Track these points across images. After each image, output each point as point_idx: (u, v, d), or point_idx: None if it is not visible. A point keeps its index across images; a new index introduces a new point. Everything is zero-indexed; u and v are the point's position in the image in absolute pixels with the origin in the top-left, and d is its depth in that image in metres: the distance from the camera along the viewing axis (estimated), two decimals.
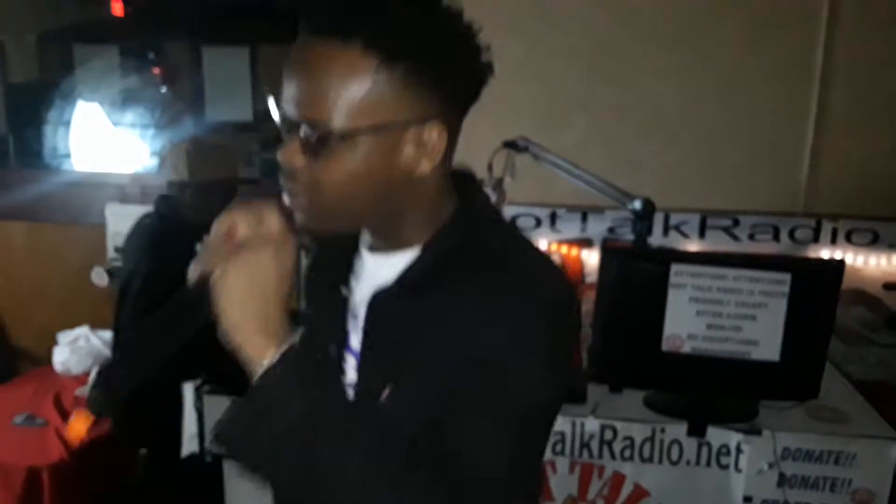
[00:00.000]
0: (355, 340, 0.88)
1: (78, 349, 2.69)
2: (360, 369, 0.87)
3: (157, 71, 5.24)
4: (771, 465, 1.86)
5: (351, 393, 0.86)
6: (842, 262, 1.84)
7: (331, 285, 0.91)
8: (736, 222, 2.86)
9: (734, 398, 1.94)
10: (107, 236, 3.19)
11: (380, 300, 0.85)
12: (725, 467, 1.91)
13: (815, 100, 2.77)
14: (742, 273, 1.80)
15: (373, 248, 0.88)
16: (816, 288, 1.83)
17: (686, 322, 1.85)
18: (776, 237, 2.85)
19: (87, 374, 2.63)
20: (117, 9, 5.29)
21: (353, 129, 0.73)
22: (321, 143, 0.74)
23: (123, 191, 3.20)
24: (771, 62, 2.77)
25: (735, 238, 2.86)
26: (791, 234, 2.84)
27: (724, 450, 1.91)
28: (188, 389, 2.20)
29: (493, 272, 0.81)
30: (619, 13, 2.79)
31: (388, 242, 0.86)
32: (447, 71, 0.75)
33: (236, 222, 0.77)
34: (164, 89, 5.11)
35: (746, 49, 2.77)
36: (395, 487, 0.72)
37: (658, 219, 2.74)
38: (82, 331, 2.75)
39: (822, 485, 1.89)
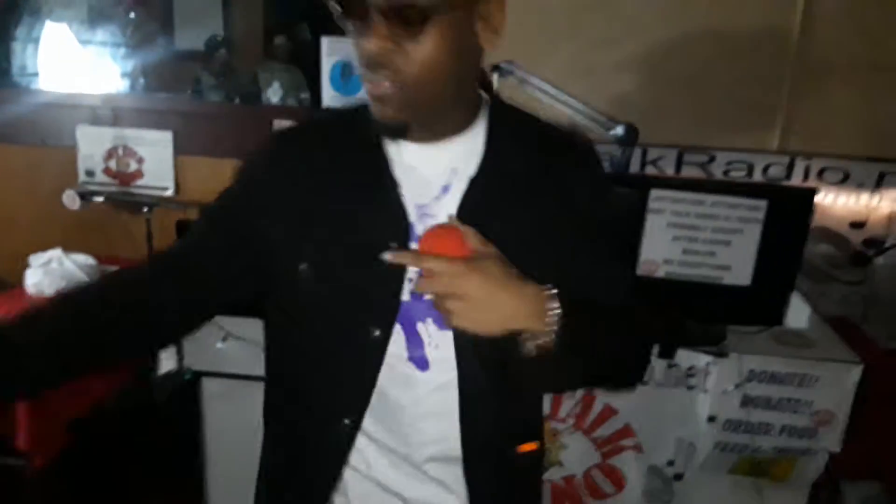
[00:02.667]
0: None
1: (51, 271, 2.65)
2: None
3: None
4: (737, 386, 1.93)
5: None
6: (813, 189, 1.88)
7: (367, 181, 0.93)
8: (712, 158, 2.89)
9: (705, 322, 2.00)
10: (78, 158, 3.13)
11: (478, 184, 0.92)
12: (692, 388, 1.98)
13: (794, 40, 2.78)
14: (720, 199, 1.84)
15: (422, 138, 0.92)
16: (790, 215, 1.88)
17: (662, 247, 1.89)
18: (750, 174, 2.89)
19: None
20: None
21: (442, 2, 0.79)
22: (417, 18, 0.78)
23: (95, 112, 3.11)
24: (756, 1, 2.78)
25: (710, 174, 2.89)
26: (765, 171, 2.88)
27: (691, 371, 1.98)
28: None
29: (566, 147, 0.99)
30: None
31: (440, 130, 0.92)
32: None
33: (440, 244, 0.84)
34: (132, 13, 4.95)
35: None
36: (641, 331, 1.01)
37: (636, 153, 2.75)
38: (55, 253, 2.70)
39: (784, 406, 1.97)
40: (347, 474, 1.00)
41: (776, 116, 2.88)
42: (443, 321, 0.85)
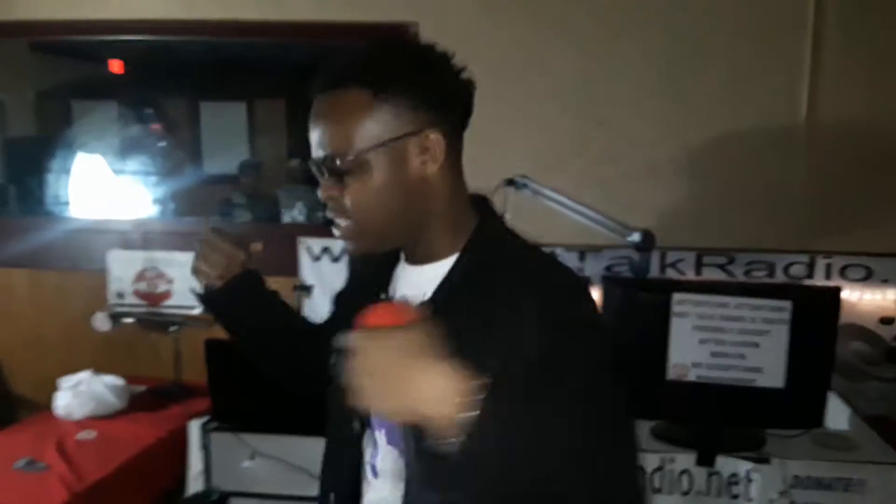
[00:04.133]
0: None
1: (80, 393, 2.66)
2: None
3: (155, 126, 5.34)
4: (782, 494, 1.86)
5: None
6: (838, 288, 1.88)
7: (375, 292, 1.03)
8: (731, 259, 2.90)
9: (741, 426, 1.96)
10: (108, 281, 3.20)
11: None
12: (736, 497, 1.92)
13: (802, 137, 2.85)
14: (743, 301, 1.84)
15: (410, 260, 1.01)
16: (816, 314, 1.87)
17: (690, 350, 1.88)
18: (771, 274, 2.89)
19: (88, 418, 2.61)
20: (116, 66, 5.42)
21: (366, 148, 0.89)
22: (346, 168, 0.90)
23: (125, 237, 3.22)
24: (756, 105, 2.87)
25: (731, 275, 2.90)
26: (786, 270, 2.88)
27: (733, 479, 1.92)
28: (194, 427, 2.19)
29: (526, 288, 0.88)
30: (608, 63, 2.89)
31: (420, 254, 0.99)
32: (427, 91, 0.91)
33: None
34: (162, 142, 5.20)
35: (731, 95, 2.86)
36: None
37: (654, 257, 2.77)
38: (84, 375, 2.72)
39: None
40: None
41: (793, 214, 2.92)
42: (388, 427, 0.91)
